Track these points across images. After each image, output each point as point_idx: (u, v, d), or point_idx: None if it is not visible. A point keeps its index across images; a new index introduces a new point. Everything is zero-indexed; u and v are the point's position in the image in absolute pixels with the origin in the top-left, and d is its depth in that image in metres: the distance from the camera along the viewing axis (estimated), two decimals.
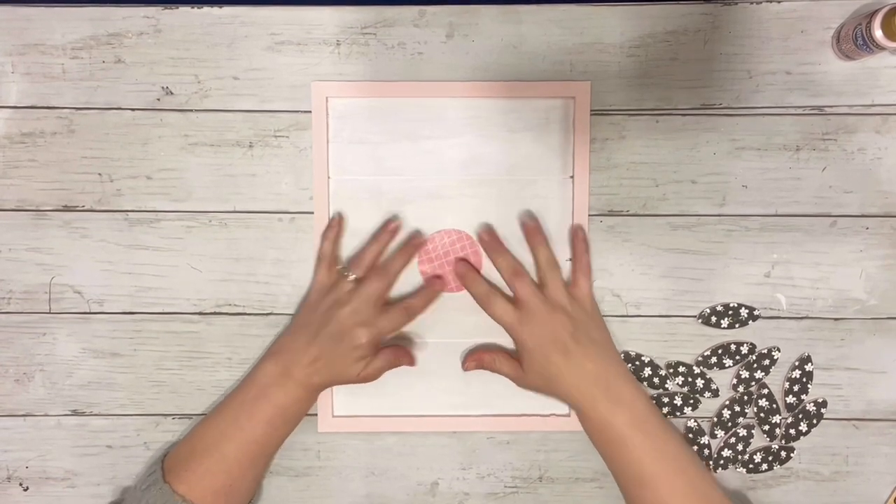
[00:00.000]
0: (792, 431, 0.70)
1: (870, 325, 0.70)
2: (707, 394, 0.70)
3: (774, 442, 0.70)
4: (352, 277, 0.66)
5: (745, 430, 0.70)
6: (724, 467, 0.70)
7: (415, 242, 0.68)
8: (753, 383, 0.70)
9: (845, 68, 0.68)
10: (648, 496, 0.63)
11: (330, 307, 0.65)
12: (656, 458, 0.63)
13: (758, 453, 0.70)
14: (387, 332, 0.66)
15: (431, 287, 0.68)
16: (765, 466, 0.70)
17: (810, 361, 0.70)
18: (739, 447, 0.70)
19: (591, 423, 0.65)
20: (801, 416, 0.70)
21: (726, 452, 0.70)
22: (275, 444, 0.66)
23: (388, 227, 0.68)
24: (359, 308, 0.65)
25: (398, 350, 0.68)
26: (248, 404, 0.64)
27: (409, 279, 0.69)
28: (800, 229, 0.69)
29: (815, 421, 0.70)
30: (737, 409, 0.70)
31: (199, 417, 0.70)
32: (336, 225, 0.68)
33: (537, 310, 0.65)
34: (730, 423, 0.70)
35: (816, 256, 0.69)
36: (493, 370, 0.68)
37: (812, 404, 0.70)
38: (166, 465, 0.65)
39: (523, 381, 0.67)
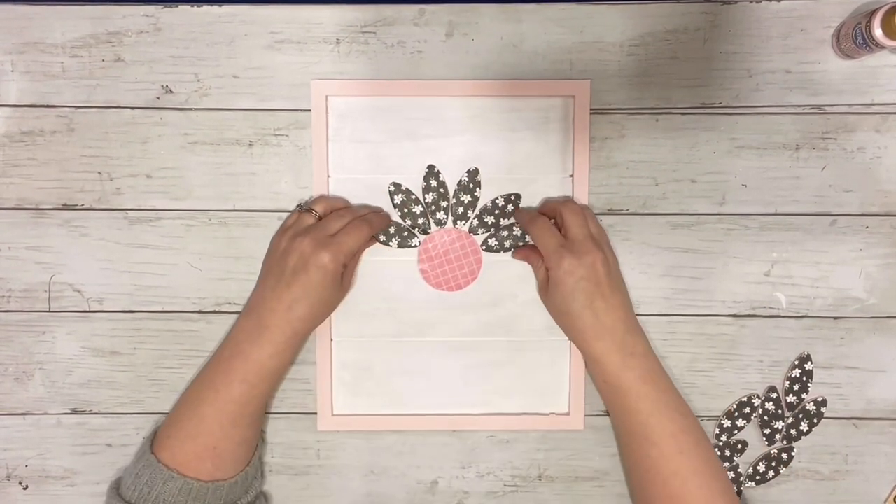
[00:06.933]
0: (793, 431, 0.70)
1: (869, 324, 0.70)
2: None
3: (773, 446, 0.70)
4: (315, 214, 0.66)
5: (740, 445, 0.70)
6: (739, 494, 0.71)
7: (382, 213, 0.68)
8: (756, 399, 0.70)
9: (845, 67, 0.68)
10: (655, 453, 0.62)
11: (290, 242, 0.64)
12: (665, 415, 0.63)
13: (761, 463, 0.70)
14: (349, 248, 0.63)
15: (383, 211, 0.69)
16: (771, 474, 0.70)
17: (810, 360, 0.70)
18: (735, 460, 0.70)
19: (603, 372, 0.64)
20: (801, 415, 0.70)
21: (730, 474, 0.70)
22: (256, 402, 0.64)
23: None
24: (318, 236, 0.63)
25: (359, 230, 0.64)
26: (223, 364, 0.64)
27: (408, 278, 0.69)
28: (799, 228, 0.69)
29: (815, 420, 0.70)
30: (737, 416, 0.70)
31: None
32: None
33: (583, 242, 0.63)
34: (734, 431, 0.70)
35: (816, 255, 0.69)
36: (533, 267, 0.68)
37: (812, 403, 0.70)
38: (156, 435, 0.65)
39: (546, 297, 0.66)
